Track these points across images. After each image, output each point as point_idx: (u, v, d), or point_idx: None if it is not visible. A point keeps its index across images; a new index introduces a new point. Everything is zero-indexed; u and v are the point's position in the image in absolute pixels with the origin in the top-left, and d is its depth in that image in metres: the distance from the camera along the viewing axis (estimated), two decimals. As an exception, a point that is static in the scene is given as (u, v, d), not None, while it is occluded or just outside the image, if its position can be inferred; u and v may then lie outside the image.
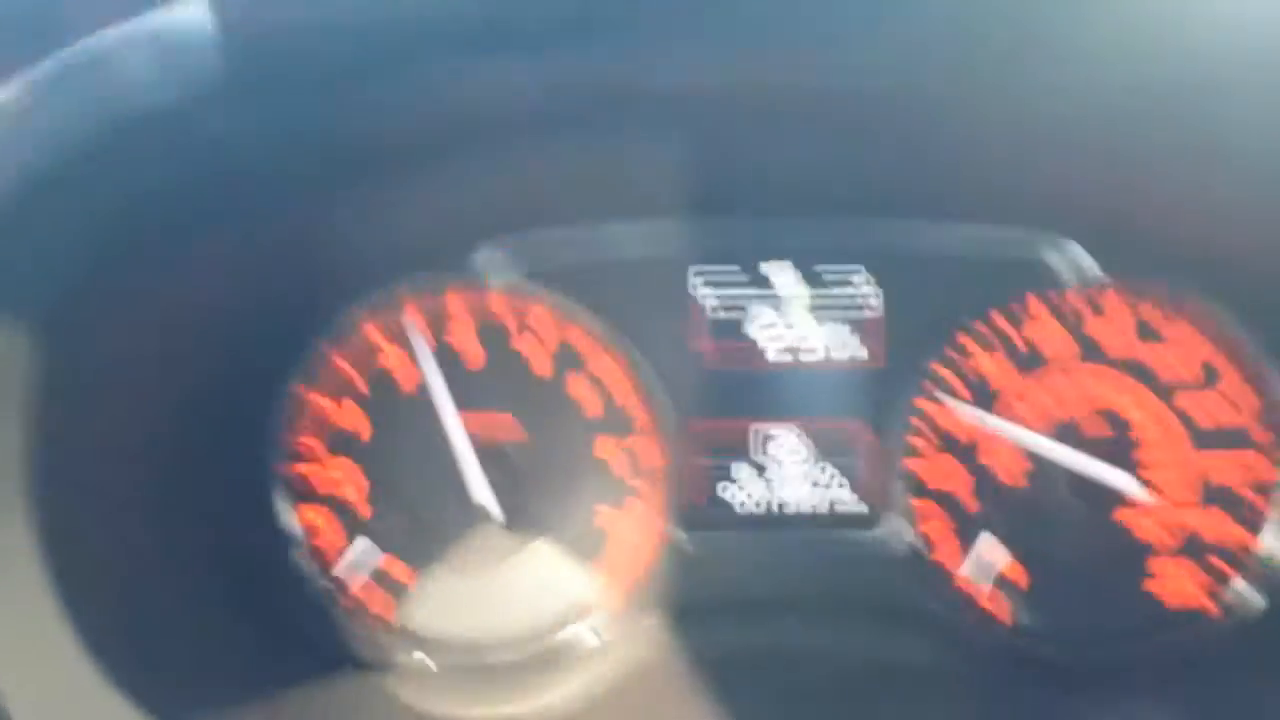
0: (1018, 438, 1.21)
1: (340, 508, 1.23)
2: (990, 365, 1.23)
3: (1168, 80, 0.89)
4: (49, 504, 0.89)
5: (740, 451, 1.26)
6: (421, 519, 1.23)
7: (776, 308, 1.25)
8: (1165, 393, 1.21)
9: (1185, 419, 1.20)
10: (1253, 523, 1.20)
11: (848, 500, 1.26)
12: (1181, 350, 1.21)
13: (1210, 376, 1.21)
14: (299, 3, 0.83)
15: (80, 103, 0.82)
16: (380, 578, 1.23)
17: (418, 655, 1.21)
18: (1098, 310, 1.22)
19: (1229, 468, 1.20)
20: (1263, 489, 1.20)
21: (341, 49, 0.84)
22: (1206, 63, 0.86)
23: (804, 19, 0.86)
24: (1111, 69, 0.89)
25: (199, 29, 0.81)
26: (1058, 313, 1.23)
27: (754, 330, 1.25)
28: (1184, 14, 0.82)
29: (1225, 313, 1.20)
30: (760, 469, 1.26)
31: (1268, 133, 0.93)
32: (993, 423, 1.22)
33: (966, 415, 1.22)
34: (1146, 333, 1.22)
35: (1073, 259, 1.22)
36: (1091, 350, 1.22)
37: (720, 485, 1.26)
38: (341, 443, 1.23)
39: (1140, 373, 1.21)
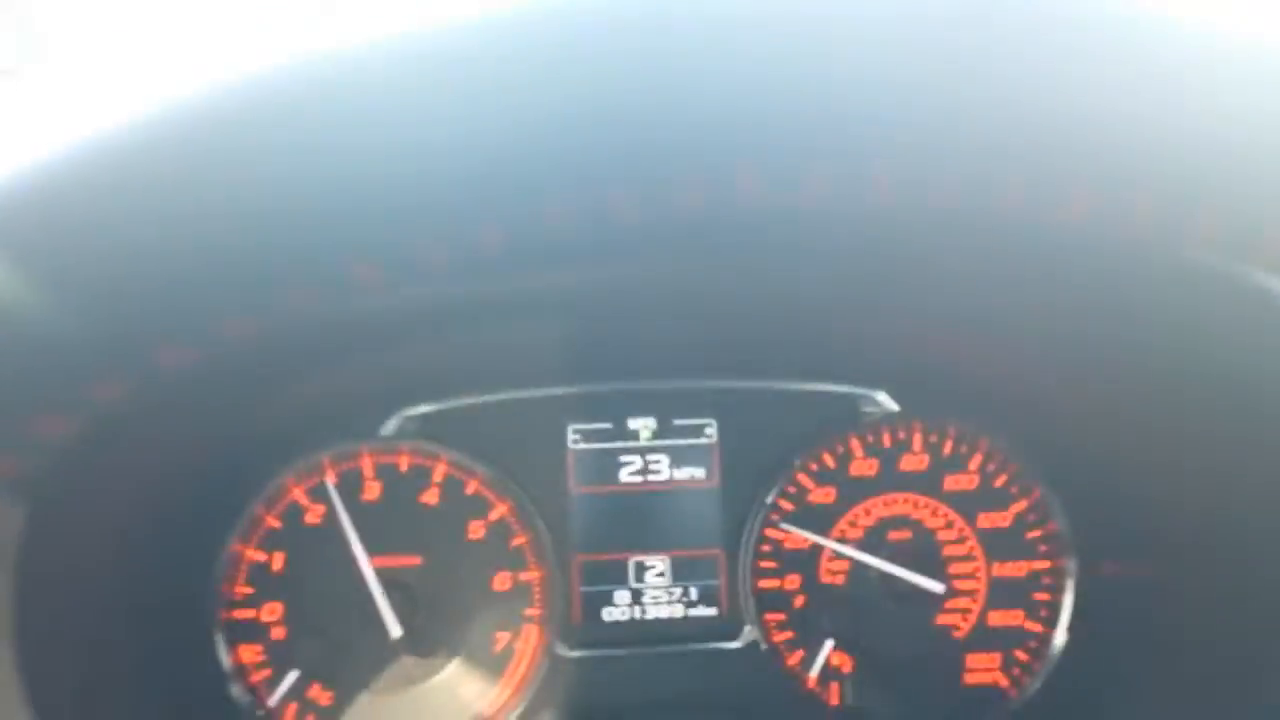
0: (846, 553, 1.42)
1: (271, 645, 1.37)
2: (820, 494, 1.44)
3: (954, 268, 1.05)
4: (26, 638, 0.98)
5: (620, 579, 1.43)
6: (340, 649, 1.37)
7: (642, 455, 1.44)
8: (961, 508, 1.43)
9: (977, 530, 1.43)
10: (1042, 615, 1.44)
11: (711, 617, 1.44)
12: (971, 473, 1.43)
13: (995, 494, 1.43)
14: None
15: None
16: (307, 703, 1.37)
17: (344, 772, 1.38)
18: (903, 443, 1.44)
19: (1016, 569, 1.43)
20: (1047, 587, 1.43)
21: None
22: (989, 250, 0.97)
23: (665, 237, 0.94)
24: (910, 265, 1.06)
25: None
26: (872, 447, 1.44)
27: (624, 475, 1.43)
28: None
29: (1003, 441, 1.43)
30: (637, 594, 1.43)
31: (1041, 312, 1.12)
32: (827, 541, 1.42)
33: (805, 536, 1.43)
34: (941, 460, 1.43)
35: (882, 404, 1.44)
36: (899, 476, 1.43)
37: (603, 609, 1.43)
38: (272, 589, 1.37)
39: (938, 492, 1.43)
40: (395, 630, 1.36)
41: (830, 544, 1.42)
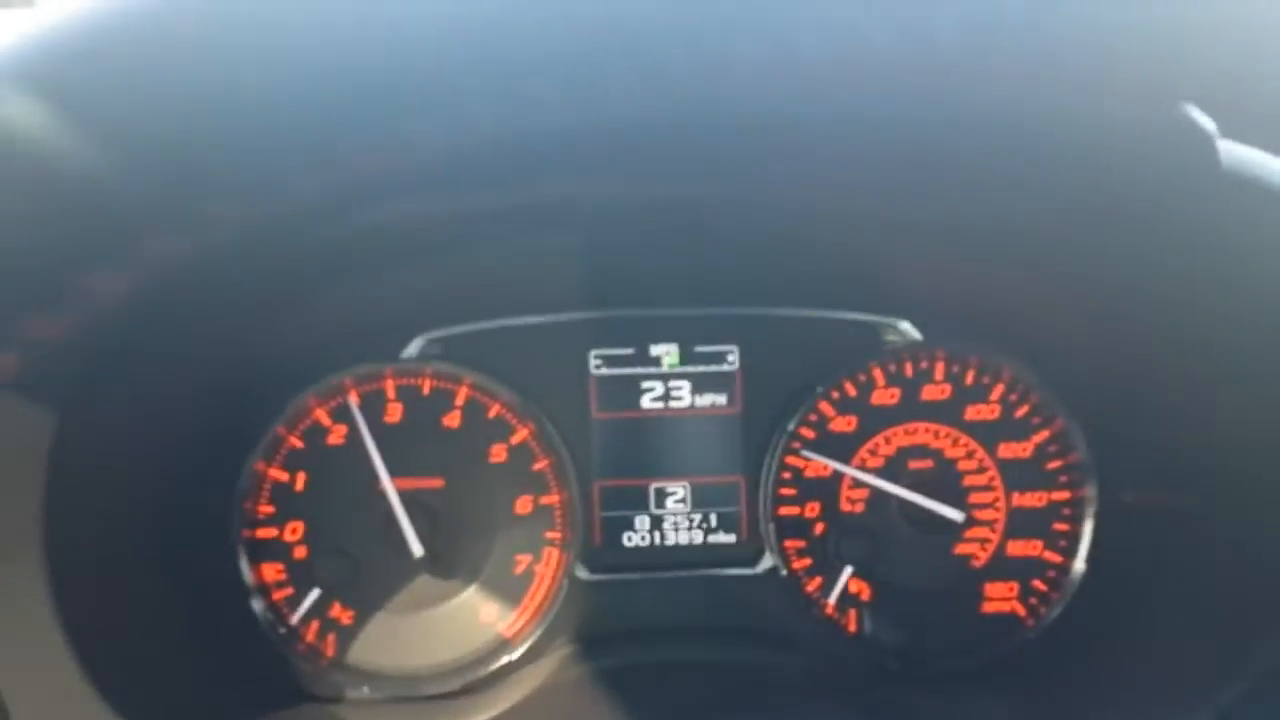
0: (868, 480, 1.42)
1: (293, 564, 1.39)
2: (842, 422, 1.44)
3: (978, 192, 1.07)
4: (58, 554, 1.01)
5: (640, 505, 1.44)
6: (364, 570, 1.38)
7: (664, 381, 1.45)
8: (982, 438, 1.43)
9: (997, 460, 1.43)
10: (1061, 545, 1.44)
11: (730, 543, 1.45)
12: (993, 403, 1.43)
13: (1016, 424, 1.43)
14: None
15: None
16: (328, 622, 1.39)
17: (364, 689, 1.39)
18: (925, 373, 1.44)
19: (1036, 499, 1.43)
20: (1066, 517, 1.44)
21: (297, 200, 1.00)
22: (1010, 183, 1.01)
23: (691, 147, 0.97)
24: (941, 190, 1.07)
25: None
26: (894, 376, 1.44)
27: (646, 401, 1.44)
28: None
29: (1025, 371, 1.42)
30: (657, 519, 1.45)
31: (1057, 225, 1.11)
32: (848, 469, 1.43)
33: (826, 464, 1.43)
34: (963, 389, 1.43)
35: (905, 333, 1.43)
36: (921, 405, 1.43)
37: (623, 534, 1.44)
38: (295, 508, 1.38)
39: (960, 422, 1.43)
40: (417, 550, 1.37)
41: (851, 471, 1.41)
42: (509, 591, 1.42)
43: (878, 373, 1.44)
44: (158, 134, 0.44)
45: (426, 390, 1.41)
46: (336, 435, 1.40)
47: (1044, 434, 1.43)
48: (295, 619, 1.39)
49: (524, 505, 1.43)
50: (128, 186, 0.46)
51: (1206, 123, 0.79)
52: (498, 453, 1.42)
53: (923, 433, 1.44)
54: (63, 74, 0.43)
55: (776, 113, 0.91)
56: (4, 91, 0.42)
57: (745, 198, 1.14)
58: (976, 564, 1.44)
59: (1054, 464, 1.43)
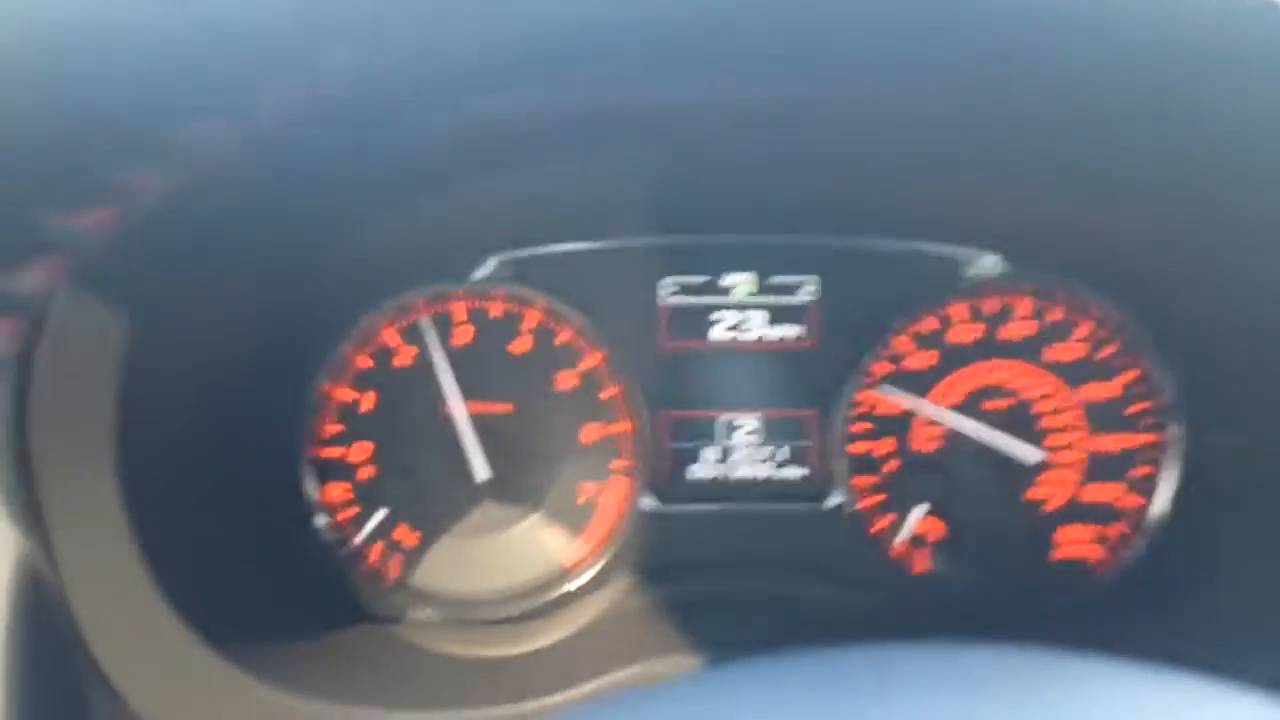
0: (943, 418, 1.39)
1: (359, 484, 1.38)
2: (919, 359, 1.41)
3: (1068, 120, 1.04)
4: (130, 469, 1.02)
5: (708, 436, 1.42)
6: (429, 493, 1.38)
7: (738, 311, 1.42)
8: (1064, 378, 1.39)
9: (1080, 401, 1.39)
10: (1142, 488, 1.40)
11: (800, 478, 1.43)
12: (1077, 342, 1.39)
13: (1101, 365, 1.39)
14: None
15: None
16: (392, 544, 1.39)
17: (425, 611, 1.39)
18: (1008, 309, 1.40)
19: (1118, 441, 1.40)
20: (1149, 459, 1.40)
21: (361, 105, 0.95)
22: (1102, 100, 0.98)
23: (770, 58, 0.96)
24: (1026, 116, 1.05)
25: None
26: (975, 312, 1.40)
27: (718, 332, 1.41)
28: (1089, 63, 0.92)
29: (1113, 310, 1.38)
30: (725, 451, 1.43)
31: (1154, 161, 1.09)
32: (924, 406, 1.39)
33: (901, 400, 1.40)
34: (1046, 327, 1.39)
35: (989, 267, 1.39)
36: (1001, 343, 1.39)
37: (690, 466, 1.43)
38: (361, 428, 1.38)
39: (1042, 362, 1.39)
40: (482, 474, 1.36)
41: (929, 407, 1.38)
42: (572, 520, 1.41)
43: (959, 307, 1.40)
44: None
45: (496, 313, 1.39)
46: (405, 356, 1.39)
47: (1130, 375, 1.39)
48: (359, 539, 1.38)
49: (591, 434, 1.41)
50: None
51: None
52: (566, 379, 1.40)
53: (1001, 371, 1.40)
54: None
55: (865, 18, 0.88)
56: None
57: (826, 114, 1.10)
58: (1052, 507, 1.40)
59: (1138, 406, 1.38)
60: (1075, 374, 1.39)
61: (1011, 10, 0.85)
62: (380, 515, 1.38)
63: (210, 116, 0.53)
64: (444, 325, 1.39)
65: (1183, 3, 0.79)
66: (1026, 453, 1.38)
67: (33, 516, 0.98)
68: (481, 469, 1.36)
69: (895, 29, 0.90)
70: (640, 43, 0.92)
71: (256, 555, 1.29)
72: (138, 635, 1.04)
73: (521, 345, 1.40)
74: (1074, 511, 1.40)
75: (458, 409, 1.36)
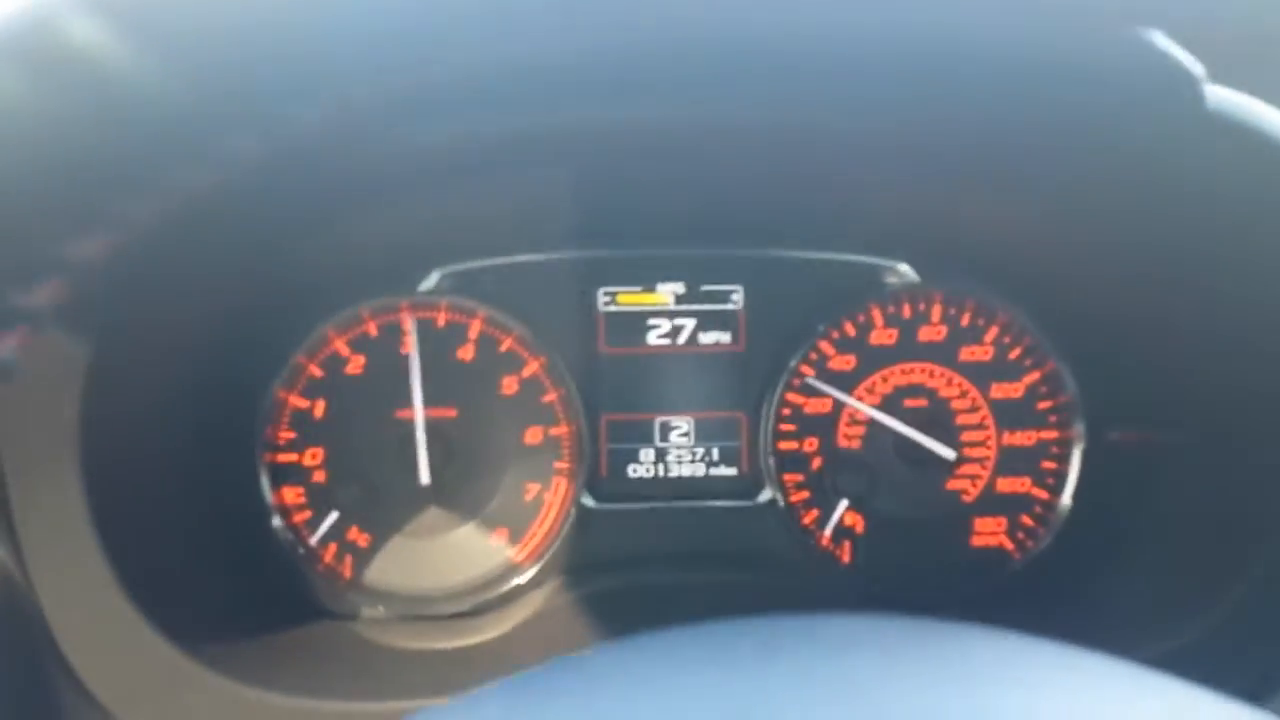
0: (865, 411, 1.47)
1: (312, 488, 1.44)
2: (841, 361, 1.49)
3: (980, 130, 1.10)
4: (94, 474, 1.07)
5: (645, 438, 1.50)
6: (379, 495, 1.44)
7: (670, 319, 1.49)
8: (976, 378, 1.48)
9: (989, 399, 1.49)
10: (1048, 482, 1.50)
11: (732, 476, 1.51)
12: (986, 344, 1.48)
13: (1009, 365, 1.48)
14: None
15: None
16: (345, 544, 1.45)
17: (379, 608, 1.45)
18: (922, 314, 1.49)
19: (1026, 438, 1.49)
20: (1054, 455, 1.50)
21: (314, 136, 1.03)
22: (1014, 111, 1.03)
23: (697, 85, 1.00)
24: (942, 128, 1.10)
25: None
26: (892, 317, 1.48)
27: (652, 338, 1.49)
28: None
29: (1019, 314, 1.47)
30: (661, 452, 1.51)
31: (1057, 176, 1.17)
32: (847, 399, 1.47)
33: (829, 395, 1.47)
34: (958, 331, 1.48)
35: (904, 275, 1.48)
36: (917, 345, 1.48)
37: (628, 466, 1.51)
38: (314, 434, 1.44)
39: (954, 363, 1.48)
40: (424, 478, 1.42)
41: (851, 401, 1.47)
42: (519, 518, 1.48)
43: (876, 313, 1.49)
44: (217, 46, 0.47)
45: (441, 323, 1.46)
46: (355, 365, 1.45)
47: (1035, 375, 1.48)
48: (314, 540, 1.45)
49: (534, 436, 1.48)
50: (187, 97, 0.49)
51: (1194, 66, 0.83)
52: (509, 385, 1.47)
53: (918, 372, 1.49)
54: None
55: (774, 42, 0.95)
56: (67, 11, 0.45)
57: (752, 136, 1.17)
58: (967, 499, 1.50)
59: (1044, 404, 1.48)
60: (986, 374, 1.49)
61: (930, 47, 0.93)
62: (333, 518, 1.44)
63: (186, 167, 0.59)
64: (393, 334, 1.45)
65: (1080, 39, 0.86)
66: (942, 450, 1.46)
67: (2, 522, 1.04)
68: (424, 473, 1.42)
69: (821, 59, 0.95)
70: (577, 70, 0.98)
71: (218, 557, 1.35)
72: (106, 634, 1.09)
73: (466, 353, 1.46)
74: (988, 503, 1.50)
75: (419, 415, 1.42)
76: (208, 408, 1.34)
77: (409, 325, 1.44)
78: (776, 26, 0.71)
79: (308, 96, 0.50)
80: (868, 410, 1.47)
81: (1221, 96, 0.87)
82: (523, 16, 0.55)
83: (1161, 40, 0.80)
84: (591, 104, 1.07)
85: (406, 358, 1.44)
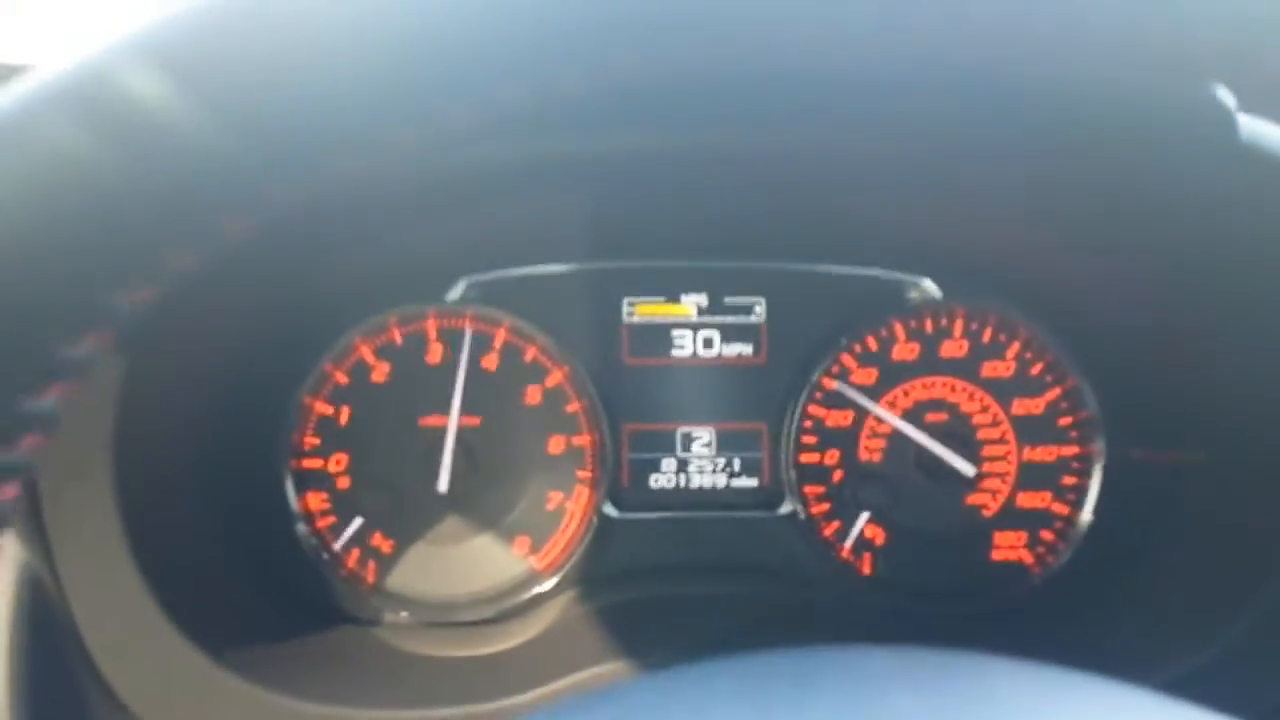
0: (890, 420, 1.48)
1: (337, 494, 1.46)
2: (863, 375, 1.50)
3: (1002, 158, 1.14)
4: (125, 480, 1.09)
5: (667, 448, 1.51)
6: (402, 501, 1.45)
7: (693, 330, 1.51)
8: (998, 393, 1.49)
9: (1010, 415, 1.49)
10: (1069, 497, 1.51)
11: (753, 487, 1.52)
12: (1007, 360, 1.49)
13: (1030, 381, 1.49)
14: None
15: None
16: (369, 550, 1.46)
17: (402, 614, 1.47)
18: (944, 329, 1.50)
19: (1046, 453, 1.50)
20: (1075, 470, 1.50)
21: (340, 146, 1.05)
22: (1040, 140, 1.06)
23: (722, 104, 1.04)
24: (967, 154, 1.14)
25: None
26: (914, 332, 1.49)
27: (675, 349, 1.50)
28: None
29: (1041, 330, 1.48)
30: (683, 462, 1.51)
31: (1077, 191, 1.18)
32: (873, 408, 1.48)
33: (856, 400, 1.48)
34: (980, 346, 1.49)
35: (926, 290, 1.49)
36: (939, 360, 1.49)
37: (650, 476, 1.51)
38: (338, 441, 1.45)
39: (976, 378, 1.49)
40: (443, 486, 1.44)
41: (875, 409, 1.48)
42: (541, 526, 1.49)
43: (899, 328, 1.50)
44: (272, 104, 0.48)
45: (467, 332, 1.47)
46: (380, 372, 1.46)
47: (1056, 391, 1.49)
48: (338, 546, 1.46)
49: (557, 445, 1.49)
50: (243, 149, 0.50)
51: (1227, 98, 0.84)
52: (533, 394, 1.48)
53: (940, 387, 1.50)
54: (184, 43, 0.47)
55: (814, 72, 0.96)
56: (133, 64, 0.46)
57: (777, 155, 1.19)
58: (987, 514, 1.50)
59: (1065, 420, 1.49)
60: (1007, 390, 1.49)
61: (972, 87, 0.93)
62: (357, 524, 1.45)
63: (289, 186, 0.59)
64: (418, 343, 1.46)
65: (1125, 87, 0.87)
66: (962, 465, 1.47)
67: (34, 527, 1.06)
68: (443, 481, 1.43)
69: (853, 87, 0.98)
70: (605, 100, 1.00)
71: (244, 562, 1.36)
72: (135, 640, 1.11)
73: (490, 362, 1.47)
74: (1009, 517, 1.50)
75: (453, 422, 1.43)
76: (235, 415, 1.36)
77: (465, 332, 1.46)
78: (825, 64, 0.72)
79: (361, 150, 0.51)
80: (892, 420, 1.47)
81: (1253, 128, 0.87)
82: (563, 58, 0.55)
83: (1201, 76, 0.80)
84: (622, 132, 1.09)
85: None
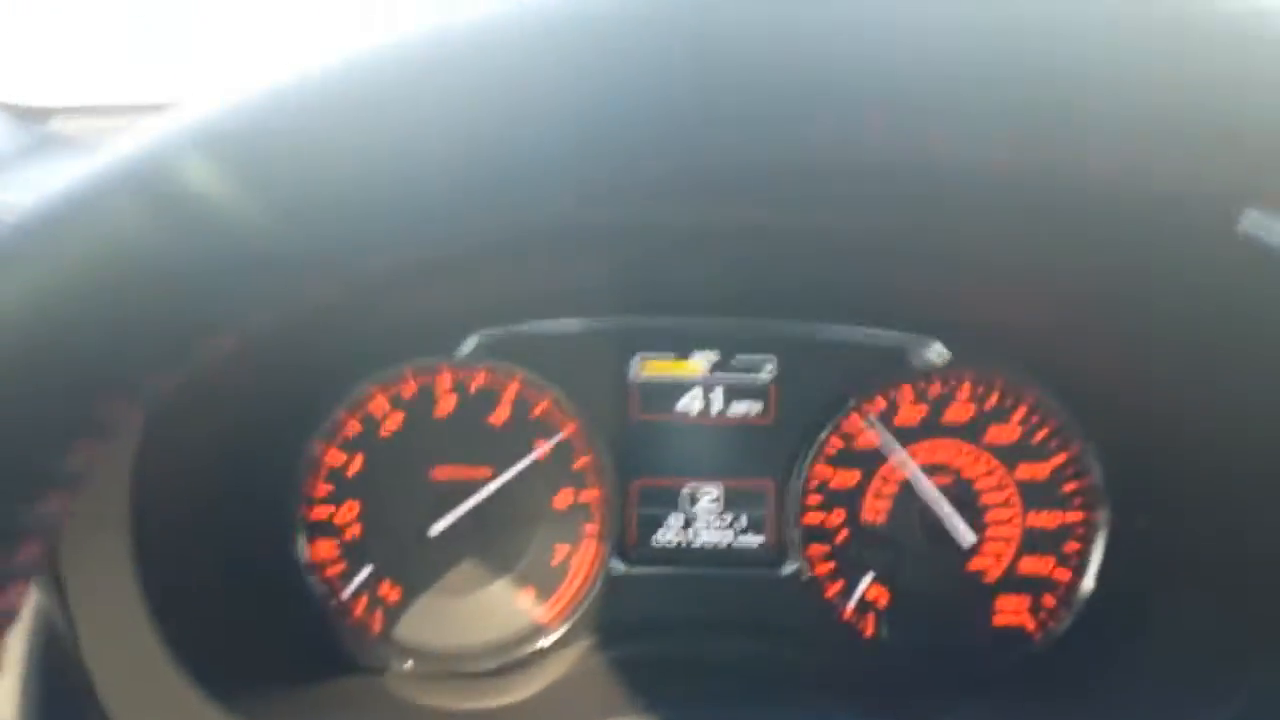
0: (909, 468, 1.48)
1: (346, 543, 1.47)
2: (870, 437, 1.52)
3: (1017, 236, 1.15)
4: (137, 523, 1.11)
5: (673, 504, 1.53)
6: (411, 550, 1.46)
7: (703, 388, 1.52)
8: (1002, 458, 1.50)
9: (1015, 480, 1.50)
10: (1072, 563, 1.51)
11: (758, 546, 1.53)
12: (1013, 425, 1.50)
13: (1035, 447, 1.50)
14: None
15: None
16: (376, 599, 1.48)
17: (408, 663, 1.48)
18: (951, 393, 1.51)
19: (1050, 519, 1.51)
20: (1078, 537, 1.51)
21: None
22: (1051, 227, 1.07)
23: (728, 176, 1.11)
24: (982, 230, 1.15)
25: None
26: (921, 394, 1.51)
27: (684, 406, 1.51)
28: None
29: (1047, 396, 1.49)
30: (689, 519, 1.53)
31: (1091, 272, 1.20)
32: (899, 451, 1.49)
33: (882, 436, 1.49)
34: (986, 411, 1.50)
35: (934, 354, 1.51)
36: (944, 424, 1.50)
37: (656, 531, 1.53)
38: (349, 489, 1.47)
39: (981, 442, 1.50)
40: (452, 536, 1.46)
41: (901, 452, 1.48)
42: (547, 580, 1.50)
43: (907, 390, 1.51)
44: (326, 197, 0.50)
45: (478, 385, 1.49)
46: (393, 422, 1.48)
47: (1061, 457, 1.50)
48: (346, 594, 1.47)
49: (564, 499, 1.51)
50: (292, 242, 0.51)
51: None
52: (542, 448, 1.50)
53: (944, 450, 1.51)
54: (241, 137, 0.49)
55: (837, 154, 0.97)
56: (189, 155, 0.48)
57: (793, 225, 1.22)
58: (990, 578, 1.51)
59: (1069, 486, 1.50)
60: (1012, 455, 1.50)
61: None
62: (366, 572, 1.47)
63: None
64: (430, 395, 1.48)
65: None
66: (962, 534, 1.48)
67: (49, 574, 1.08)
68: (451, 532, 1.46)
69: (861, 171, 1.01)
70: (616, 173, 1.02)
71: (253, 609, 1.38)
72: (147, 687, 1.12)
73: (501, 415, 1.49)
74: (1011, 582, 1.51)
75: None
76: (249, 464, 1.38)
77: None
78: (848, 154, 0.73)
79: (401, 247, 0.53)
80: (908, 470, 1.48)
81: (1254, 219, 0.89)
82: (612, 172, 0.56)
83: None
84: (646, 210, 1.11)
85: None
